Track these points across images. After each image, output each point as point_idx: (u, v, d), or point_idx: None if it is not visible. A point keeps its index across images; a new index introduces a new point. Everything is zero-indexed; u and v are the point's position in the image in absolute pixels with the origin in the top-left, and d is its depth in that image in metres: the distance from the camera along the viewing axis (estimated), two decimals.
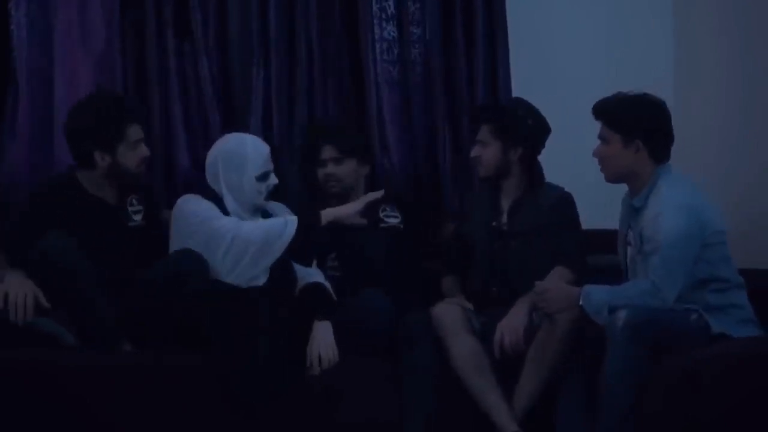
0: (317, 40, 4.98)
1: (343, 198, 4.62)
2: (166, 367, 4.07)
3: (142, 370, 4.06)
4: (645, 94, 4.08)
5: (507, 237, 4.36)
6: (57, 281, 4.00)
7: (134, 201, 4.34)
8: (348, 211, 4.28)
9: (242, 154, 4.28)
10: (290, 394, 4.05)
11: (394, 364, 4.10)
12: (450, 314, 4.17)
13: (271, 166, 4.32)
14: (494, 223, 4.39)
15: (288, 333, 4.09)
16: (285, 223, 4.16)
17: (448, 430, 4.11)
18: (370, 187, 4.69)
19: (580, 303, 3.92)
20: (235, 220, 4.19)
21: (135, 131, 4.24)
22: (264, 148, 4.33)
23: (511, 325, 4.12)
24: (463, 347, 4.10)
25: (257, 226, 4.16)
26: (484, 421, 4.02)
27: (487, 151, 4.37)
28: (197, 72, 4.91)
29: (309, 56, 4.97)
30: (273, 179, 4.32)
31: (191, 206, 4.24)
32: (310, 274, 4.29)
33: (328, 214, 4.24)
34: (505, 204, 4.40)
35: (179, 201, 4.29)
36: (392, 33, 5.05)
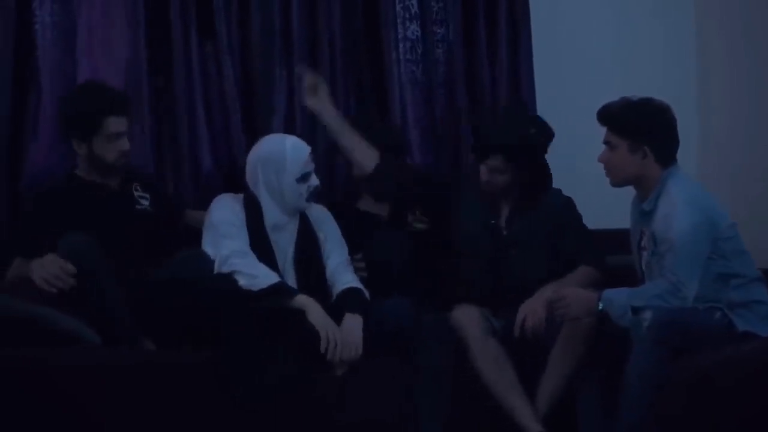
0: (340, 39, 5.03)
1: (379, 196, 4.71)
2: (175, 365, 4.09)
3: (151, 368, 4.08)
4: (650, 99, 4.12)
5: (507, 243, 4.41)
6: (78, 281, 4.07)
7: (138, 188, 4.45)
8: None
9: (281, 156, 4.32)
10: (298, 393, 4.10)
11: (410, 366, 4.15)
12: (470, 316, 4.24)
13: (311, 167, 4.35)
14: (493, 221, 4.43)
15: (310, 336, 4.15)
16: (267, 279, 4.17)
17: None
18: None
19: (600, 308, 3.99)
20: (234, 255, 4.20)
21: (115, 124, 4.32)
22: (304, 149, 4.37)
23: (534, 307, 4.19)
24: (484, 348, 4.17)
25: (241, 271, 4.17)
26: (499, 423, 4.10)
27: (503, 178, 4.37)
28: (220, 73, 4.94)
29: (331, 56, 5.02)
30: (314, 180, 4.35)
31: (223, 213, 4.32)
32: (348, 280, 4.34)
33: (302, 302, 4.20)
34: (504, 209, 4.45)
35: (216, 199, 4.39)
36: (415, 32, 5.10)
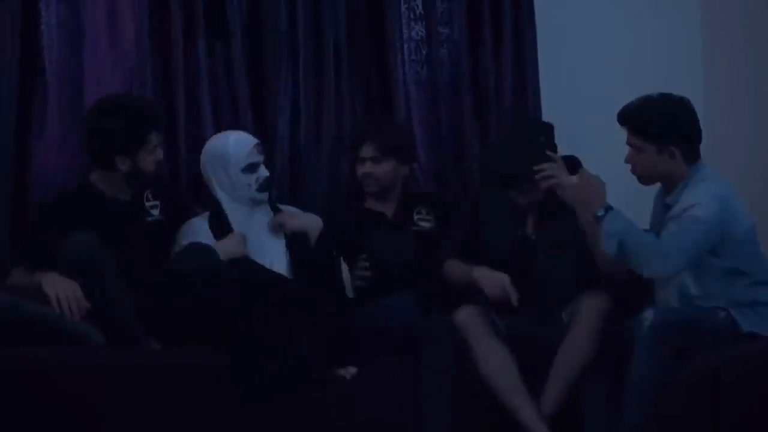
0: (345, 40, 5.04)
1: (380, 197, 4.69)
2: (176, 366, 4.09)
3: (152, 368, 4.08)
4: (669, 96, 4.11)
5: (534, 247, 4.39)
6: (83, 282, 4.10)
7: (149, 196, 4.49)
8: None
9: (224, 149, 4.48)
10: (299, 393, 4.10)
11: (413, 366, 4.15)
12: (473, 316, 4.23)
13: (258, 159, 4.49)
14: (520, 232, 4.43)
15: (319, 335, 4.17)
16: None
17: None
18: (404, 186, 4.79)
19: (598, 215, 3.99)
20: None
21: (155, 136, 4.41)
22: (247, 141, 4.51)
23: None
24: (488, 350, 4.17)
25: None
26: (504, 424, 4.10)
27: (539, 193, 4.34)
28: (228, 74, 4.95)
29: (337, 56, 5.02)
30: (263, 171, 4.48)
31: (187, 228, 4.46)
32: None
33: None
34: (532, 214, 4.42)
35: (183, 225, 4.48)
36: (420, 33, 5.11)
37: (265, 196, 4.50)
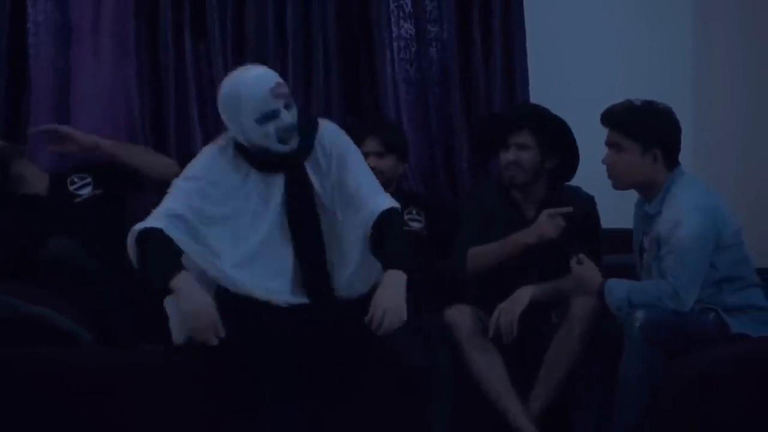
0: (334, 38, 5.05)
1: None
2: (174, 365, 4.08)
3: (150, 368, 4.09)
4: (653, 102, 4.13)
5: (535, 254, 4.35)
6: (72, 282, 4.13)
7: (75, 179, 4.49)
8: None
9: (236, 94, 3.83)
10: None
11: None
12: (463, 319, 4.24)
13: (277, 104, 3.81)
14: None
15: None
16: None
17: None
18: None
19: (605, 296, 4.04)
20: None
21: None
22: (262, 85, 3.82)
23: (510, 307, 4.19)
24: (478, 352, 4.18)
25: None
26: (503, 424, 4.12)
27: (527, 155, 4.36)
28: (212, 72, 4.95)
29: (325, 54, 5.04)
30: (285, 118, 3.81)
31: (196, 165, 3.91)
32: (382, 203, 3.94)
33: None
34: (529, 213, 4.40)
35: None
36: (409, 31, 5.12)
37: (288, 146, 3.84)
